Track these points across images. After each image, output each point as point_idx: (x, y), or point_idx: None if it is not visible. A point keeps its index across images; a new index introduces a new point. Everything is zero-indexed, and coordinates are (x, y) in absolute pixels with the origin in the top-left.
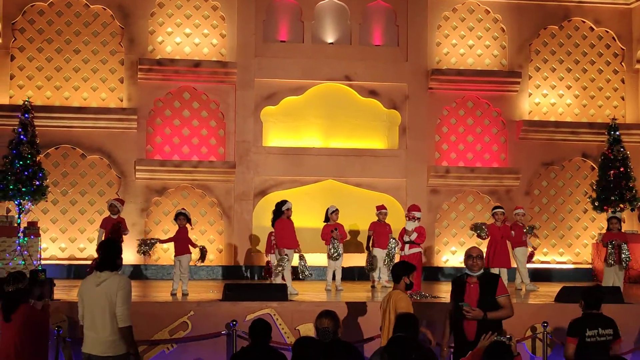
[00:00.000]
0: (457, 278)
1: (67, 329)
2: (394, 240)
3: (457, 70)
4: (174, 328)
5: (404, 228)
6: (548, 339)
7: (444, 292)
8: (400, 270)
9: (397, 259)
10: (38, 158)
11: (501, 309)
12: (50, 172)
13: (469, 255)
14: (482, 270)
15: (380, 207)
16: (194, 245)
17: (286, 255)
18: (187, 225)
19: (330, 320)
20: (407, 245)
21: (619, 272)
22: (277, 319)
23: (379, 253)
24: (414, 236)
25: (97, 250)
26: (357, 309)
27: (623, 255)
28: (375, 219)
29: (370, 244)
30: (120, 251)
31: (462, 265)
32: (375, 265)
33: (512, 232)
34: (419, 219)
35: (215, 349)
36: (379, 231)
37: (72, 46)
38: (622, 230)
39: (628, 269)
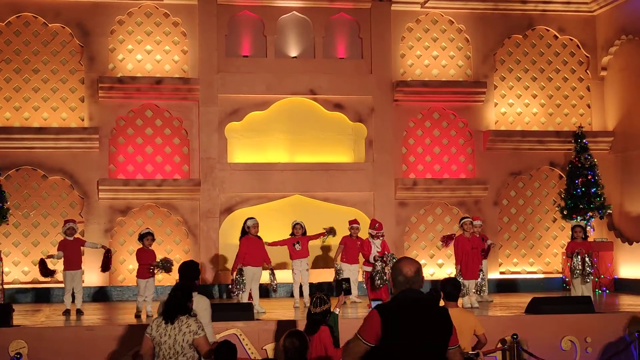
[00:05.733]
0: None
1: (27, 355)
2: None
3: (422, 81)
4: (138, 351)
5: (368, 243)
6: (518, 350)
7: None
8: (457, 289)
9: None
10: None
11: None
12: (11, 195)
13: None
14: None
15: (353, 222)
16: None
17: (241, 273)
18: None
19: (300, 340)
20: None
21: (584, 284)
22: (243, 339)
23: (347, 267)
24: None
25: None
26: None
27: (586, 266)
28: (347, 233)
29: (339, 257)
30: (198, 273)
31: (433, 277)
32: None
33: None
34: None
35: None
36: (350, 246)
37: (31, 66)
38: (589, 239)
39: (599, 278)
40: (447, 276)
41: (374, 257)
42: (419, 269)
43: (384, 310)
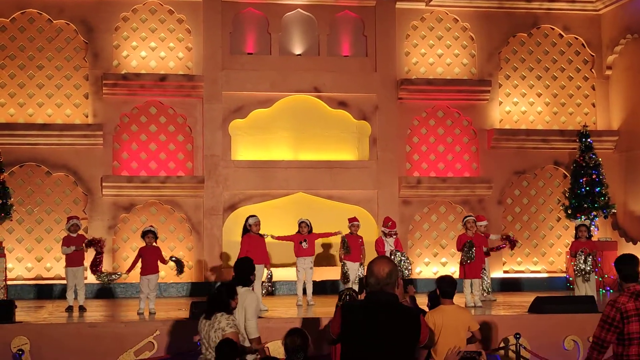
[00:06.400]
0: None
1: (29, 351)
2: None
3: (427, 79)
4: (140, 348)
5: (381, 242)
6: (521, 350)
7: (418, 304)
8: (452, 287)
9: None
10: (2, 177)
11: None
12: (14, 191)
13: None
14: None
15: (352, 220)
16: (165, 262)
17: None
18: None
19: (301, 338)
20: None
21: (585, 282)
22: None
23: (351, 266)
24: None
25: (234, 268)
26: (317, 325)
27: (587, 265)
28: (348, 231)
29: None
30: (253, 269)
31: (435, 276)
32: (349, 278)
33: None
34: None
35: None
36: (352, 244)
37: (36, 62)
38: (593, 238)
39: (603, 277)
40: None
41: (391, 252)
42: (392, 270)
43: (346, 308)
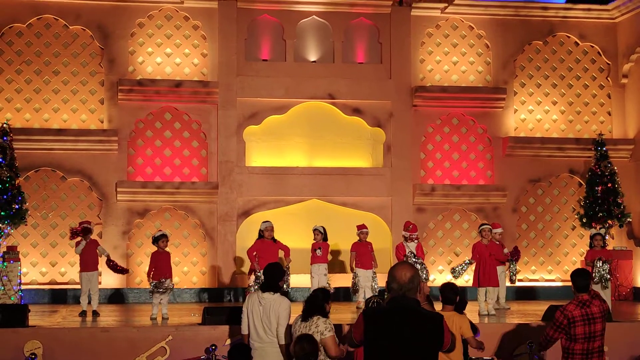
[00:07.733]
0: None
1: (42, 355)
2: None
3: (442, 87)
4: (153, 353)
5: (402, 247)
6: (535, 358)
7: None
8: (453, 293)
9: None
10: (17, 181)
11: None
12: (30, 196)
13: None
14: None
15: (361, 227)
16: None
17: (259, 275)
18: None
19: (310, 345)
20: None
21: (603, 290)
22: None
23: (363, 273)
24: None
25: (263, 273)
26: (340, 331)
27: (601, 274)
28: (357, 239)
29: (354, 264)
30: (282, 274)
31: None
32: (359, 286)
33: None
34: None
35: None
36: (362, 251)
37: (52, 67)
38: (609, 247)
39: (618, 286)
40: (465, 283)
41: (406, 257)
42: (413, 275)
43: (368, 315)
